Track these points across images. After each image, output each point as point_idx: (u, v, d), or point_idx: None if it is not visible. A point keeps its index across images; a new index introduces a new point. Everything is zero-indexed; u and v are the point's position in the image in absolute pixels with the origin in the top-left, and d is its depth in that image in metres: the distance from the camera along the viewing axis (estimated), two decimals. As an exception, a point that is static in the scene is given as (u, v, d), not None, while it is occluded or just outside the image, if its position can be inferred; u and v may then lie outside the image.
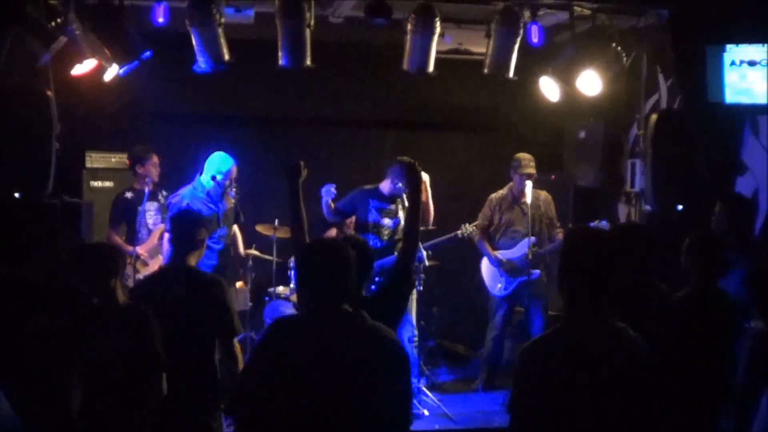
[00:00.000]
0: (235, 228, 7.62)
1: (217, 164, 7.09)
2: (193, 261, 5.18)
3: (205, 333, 5.03)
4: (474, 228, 7.73)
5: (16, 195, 6.25)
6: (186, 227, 5.19)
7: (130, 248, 7.40)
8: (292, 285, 7.89)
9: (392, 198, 7.43)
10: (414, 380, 7.38)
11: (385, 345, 3.48)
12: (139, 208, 7.49)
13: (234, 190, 7.25)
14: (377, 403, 3.39)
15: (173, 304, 4.91)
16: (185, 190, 7.10)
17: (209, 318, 4.99)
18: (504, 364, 7.95)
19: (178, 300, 4.94)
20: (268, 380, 3.40)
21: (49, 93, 6.42)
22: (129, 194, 7.63)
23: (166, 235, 6.79)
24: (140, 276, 7.31)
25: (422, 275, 7.48)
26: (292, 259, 7.87)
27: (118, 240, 7.53)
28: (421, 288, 7.51)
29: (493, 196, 8.00)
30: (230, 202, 7.31)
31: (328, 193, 7.28)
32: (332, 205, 7.35)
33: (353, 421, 3.37)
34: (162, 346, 4.65)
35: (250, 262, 8.16)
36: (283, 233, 8.11)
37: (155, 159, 7.69)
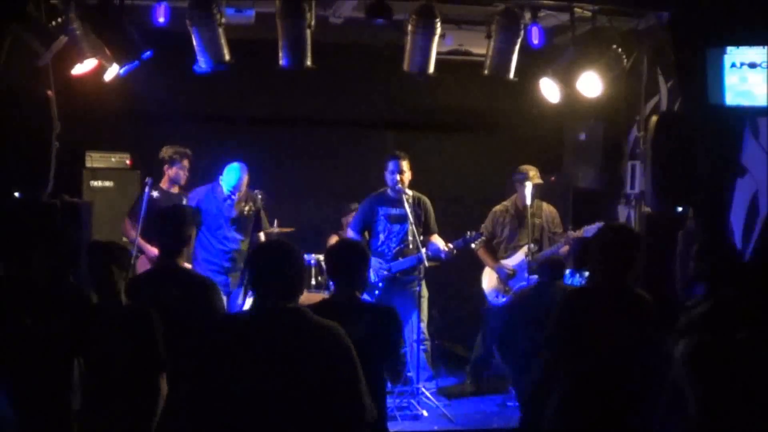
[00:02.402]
0: (261, 236, 7.78)
1: (228, 180, 7.43)
2: (182, 260, 5.12)
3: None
4: (479, 242, 7.68)
5: (16, 194, 6.24)
6: (171, 223, 5.12)
7: (152, 250, 7.43)
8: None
9: (399, 200, 7.40)
10: (409, 379, 7.40)
11: (327, 338, 3.56)
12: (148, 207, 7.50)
13: (260, 197, 7.48)
14: (323, 397, 3.46)
15: (165, 305, 4.81)
16: (203, 189, 7.46)
17: (198, 320, 4.82)
18: (493, 369, 7.95)
19: (170, 301, 4.85)
20: (214, 380, 3.48)
21: (49, 92, 6.42)
22: (156, 193, 7.60)
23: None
24: None
25: (422, 277, 7.48)
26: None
27: (132, 232, 7.55)
28: (422, 290, 7.51)
29: (497, 209, 8.00)
30: (243, 209, 7.41)
31: None
32: (350, 232, 7.56)
33: (302, 416, 3.45)
34: (164, 345, 4.64)
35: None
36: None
37: (186, 162, 7.77)
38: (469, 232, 7.47)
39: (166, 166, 7.75)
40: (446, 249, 7.36)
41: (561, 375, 4.57)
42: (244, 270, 7.15)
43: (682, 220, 6.48)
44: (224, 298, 6.84)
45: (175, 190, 7.74)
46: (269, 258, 3.66)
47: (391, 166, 7.39)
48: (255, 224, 7.67)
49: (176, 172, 7.71)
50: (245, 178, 7.43)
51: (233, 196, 7.39)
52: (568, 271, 8.02)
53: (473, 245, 7.56)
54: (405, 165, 7.39)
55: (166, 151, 7.79)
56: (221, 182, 7.45)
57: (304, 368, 3.45)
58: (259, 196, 7.64)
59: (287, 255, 3.65)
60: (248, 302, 7.73)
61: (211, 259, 7.48)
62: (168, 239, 5.11)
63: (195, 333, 4.10)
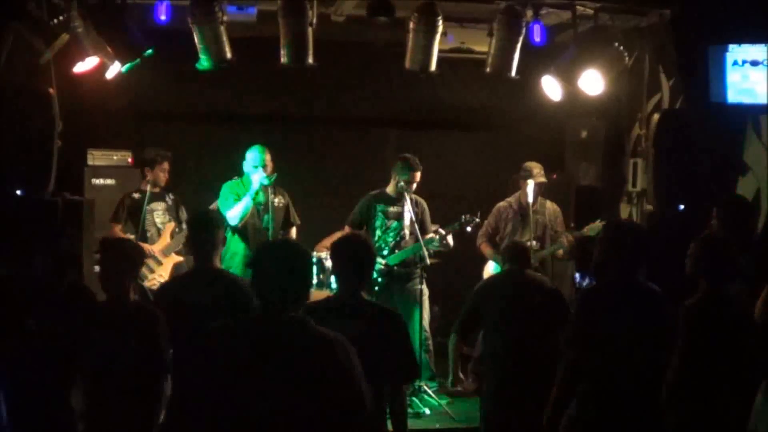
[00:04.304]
0: (292, 232, 7.72)
1: (251, 159, 7.25)
2: (217, 262, 5.15)
3: None
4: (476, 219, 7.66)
5: (18, 193, 6.25)
6: (204, 229, 5.12)
7: (148, 247, 7.53)
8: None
9: (398, 198, 7.44)
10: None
11: (330, 350, 3.30)
12: (146, 207, 7.59)
13: (278, 199, 7.41)
14: (323, 412, 3.24)
15: (204, 306, 4.79)
16: (233, 182, 7.32)
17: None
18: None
19: (210, 302, 4.83)
20: (209, 390, 3.25)
21: (51, 90, 6.42)
22: (136, 195, 7.71)
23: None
24: (155, 275, 7.41)
25: (424, 275, 7.49)
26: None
27: (121, 235, 7.59)
28: (425, 288, 7.52)
29: (500, 205, 7.98)
30: (276, 198, 7.38)
31: None
32: (347, 229, 7.52)
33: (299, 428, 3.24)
34: (168, 349, 4.62)
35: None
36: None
37: (165, 164, 7.75)
38: (464, 216, 7.47)
39: (146, 168, 7.76)
40: (437, 234, 7.35)
41: (582, 375, 4.60)
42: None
43: (695, 221, 6.45)
44: None
45: (156, 190, 7.73)
46: (270, 260, 3.39)
47: (407, 175, 7.39)
48: (285, 220, 7.61)
49: (157, 174, 7.72)
50: (267, 157, 7.34)
51: (261, 171, 7.26)
52: (577, 274, 8.03)
53: (468, 228, 7.56)
54: (419, 176, 7.43)
55: (148, 153, 7.81)
56: (245, 167, 7.35)
57: (302, 382, 3.22)
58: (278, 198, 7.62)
59: (293, 258, 3.38)
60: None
61: (246, 252, 7.40)
62: (203, 242, 5.09)
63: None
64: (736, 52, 6.77)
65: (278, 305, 3.29)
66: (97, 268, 6.55)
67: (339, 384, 3.28)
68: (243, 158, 7.31)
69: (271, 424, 3.20)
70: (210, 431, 3.24)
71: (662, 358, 4.59)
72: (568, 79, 7.31)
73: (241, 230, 7.20)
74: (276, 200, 7.42)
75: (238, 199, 7.16)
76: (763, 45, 6.71)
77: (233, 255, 7.20)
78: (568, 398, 4.63)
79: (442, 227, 7.45)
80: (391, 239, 7.52)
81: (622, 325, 4.52)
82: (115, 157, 8.57)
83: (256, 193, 7.12)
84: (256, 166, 7.18)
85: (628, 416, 4.50)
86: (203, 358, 3.30)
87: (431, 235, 7.46)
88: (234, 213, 7.05)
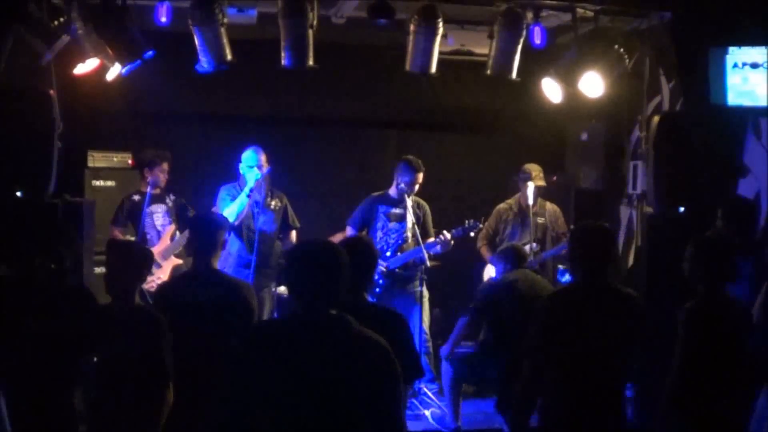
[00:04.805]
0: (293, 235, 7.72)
1: (247, 160, 7.33)
2: (215, 264, 5.18)
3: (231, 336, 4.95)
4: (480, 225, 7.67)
5: (18, 194, 6.24)
6: (206, 231, 5.17)
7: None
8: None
9: (400, 200, 7.47)
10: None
11: (372, 352, 3.29)
12: (146, 209, 7.57)
13: (275, 202, 7.46)
14: (362, 414, 3.23)
15: (204, 307, 4.86)
16: (228, 185, 7.40)
17: (235, 322, 4.89)
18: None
19: (210, 303, 4.89)
20: (249, 390, 3.24)
21: (51, 92, 6.41)
22: (136, 197, 7.70)
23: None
24: (154, 278, 7.39)
25: (424, 277, 7.49)
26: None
27: (120, 237, 7.58)
28: (425, 291, 7.53)
29: (500, 207, 8.01)
30: (269, 204, 7.41)
31: None
32: (349, 230, 7.59)
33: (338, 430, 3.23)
34: (170, 355, 4.61)
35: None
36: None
37: (165, 165, 7.73)
38: (467, 221, 7.47)
39: (145, 169, 7.73)
40: (441, 239, 7.36)
41: (547, 378, 4.56)
42: (280, 269, 7.12)
43: (695, 223, 6.46)
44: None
45: (156, 192, 7.70)
46: (309, 259, 3.36)
47: (409, 177, 7.41)
48: (284, 223, 7.61)
49: (156, 175, 7.68)
50: (263, 158, 7.35)
51: (255, 171, 7.27)
52: (560, 268, 8.04)
53: (472, 234, 7.58)
54: (421, 177, 7.45)
55: (146, 154, 7.78)
56: (241, 169, 7.37)
57: (341, 381, 3.19)
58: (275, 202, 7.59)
59: (329, 256, 3.35)
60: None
61: (240, 252, 7.41)
62: (204, 244, 5.13)
63: (231, 337, 3.82)
64: (736, 55, 6.77)
65: (318, 305, 3.29)
66: (97, 270, 6.64)
67: (381, 385, 3.27)
68: (238, 159, 7.34)
69: (313, 423, 3.19)
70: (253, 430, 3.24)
71: (629, 358, 4.53)
72: (569, 81, 7.32)
73: (236, 231, 7.22)
74: (273, 203, 7.43)
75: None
76: (763, 47, 6.71)
77: (227, 256, 7.24)
78: (531, 403, 4.58)
79: (446, 232, 7.45)
80: (393, 241, 7.53)
81: (588, 326, 4.46)
82: (115, 159, 8.57)
83: (249, 189, 7.14)
84: (251, 167, 7.22)
85: (595, 416, 4.45)
86: (249, 358, 3.28)
87: (434, 239, 7.47)
88: (230, 211, 7.11)
